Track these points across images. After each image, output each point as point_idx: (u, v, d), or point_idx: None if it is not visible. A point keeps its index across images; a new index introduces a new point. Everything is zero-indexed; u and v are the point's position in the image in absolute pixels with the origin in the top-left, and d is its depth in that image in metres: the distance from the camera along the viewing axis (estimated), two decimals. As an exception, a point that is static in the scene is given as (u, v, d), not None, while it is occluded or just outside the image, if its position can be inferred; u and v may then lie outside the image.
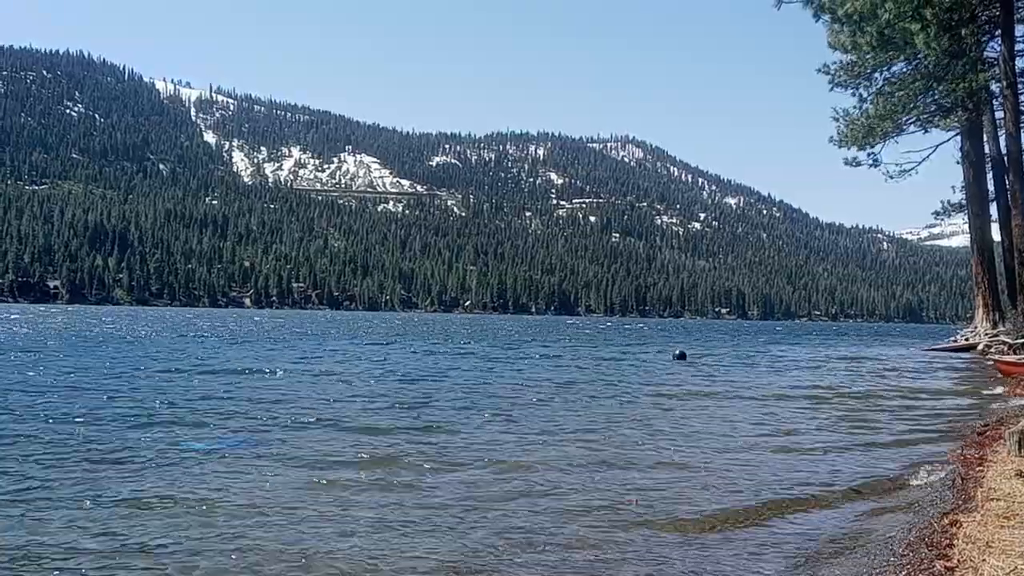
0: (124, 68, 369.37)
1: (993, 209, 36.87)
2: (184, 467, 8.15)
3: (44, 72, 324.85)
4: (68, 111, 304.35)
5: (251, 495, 7.04)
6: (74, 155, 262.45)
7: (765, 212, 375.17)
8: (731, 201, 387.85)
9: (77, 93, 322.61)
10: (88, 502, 6.69)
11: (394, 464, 8.51)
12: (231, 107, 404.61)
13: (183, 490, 7.16)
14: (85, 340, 34.21)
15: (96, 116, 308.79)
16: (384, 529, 6.16)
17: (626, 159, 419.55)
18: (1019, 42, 32.71)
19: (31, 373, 17.96)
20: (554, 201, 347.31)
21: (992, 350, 31.45)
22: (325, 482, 7.61)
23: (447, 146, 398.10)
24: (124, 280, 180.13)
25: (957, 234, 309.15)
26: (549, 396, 15.87)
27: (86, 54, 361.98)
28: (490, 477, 8.01)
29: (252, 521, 6.27)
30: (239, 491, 7.17)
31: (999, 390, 18.35)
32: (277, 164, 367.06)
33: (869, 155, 36.08)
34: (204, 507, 6.61)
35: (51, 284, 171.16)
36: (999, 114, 34.41)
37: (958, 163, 38.07)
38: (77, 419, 11.00)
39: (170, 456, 8.66)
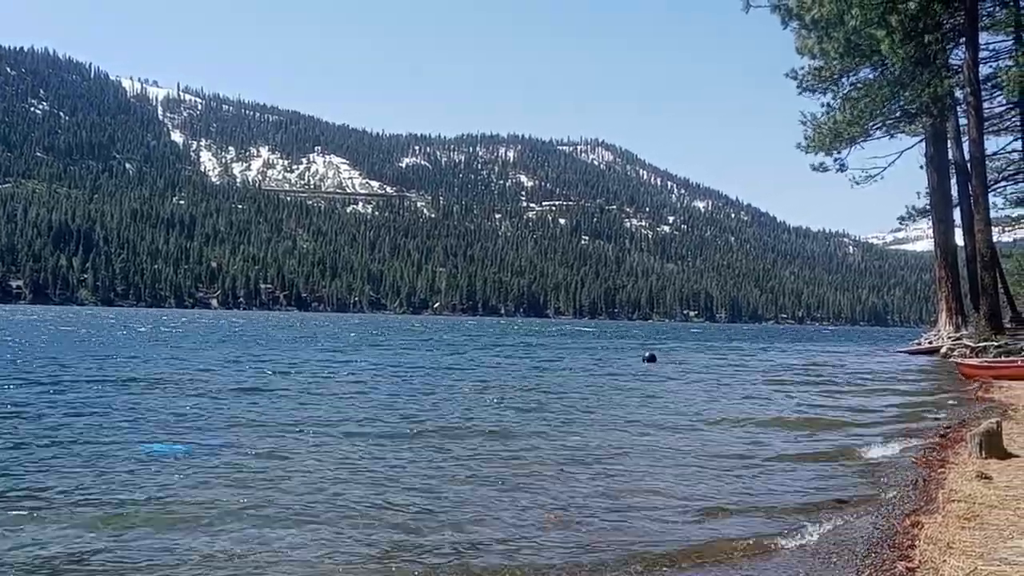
0: (90, 66, 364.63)
1: (957, 214, 37.32)
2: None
3: (8, 69, 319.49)
4: (32, 109, 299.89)
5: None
6: (38, 153, 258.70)
7: (733, 216, 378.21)
8: (700, 205, 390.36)
9: (42, 91, 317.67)
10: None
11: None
12: (199, 106, 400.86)
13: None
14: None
15: (61, 114, 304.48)
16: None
17: (596, 162, 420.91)
18: (983, 49, 33.31)
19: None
20: (524, 203, 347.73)
21: (955, 353, 31.78)
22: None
23: (417, 147, 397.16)
24: (89, 280, 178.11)
25: (922, 239, 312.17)
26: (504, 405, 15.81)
27: (51, 51, 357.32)
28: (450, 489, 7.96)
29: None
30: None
31: (961, 392, 18.55)
32: (245, 164, 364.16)
33: (836, 160, 36.44)
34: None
35: (14, 284, 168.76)
36: (963, 120, 34.96)
37: (923, 168, 38.43)
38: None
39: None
